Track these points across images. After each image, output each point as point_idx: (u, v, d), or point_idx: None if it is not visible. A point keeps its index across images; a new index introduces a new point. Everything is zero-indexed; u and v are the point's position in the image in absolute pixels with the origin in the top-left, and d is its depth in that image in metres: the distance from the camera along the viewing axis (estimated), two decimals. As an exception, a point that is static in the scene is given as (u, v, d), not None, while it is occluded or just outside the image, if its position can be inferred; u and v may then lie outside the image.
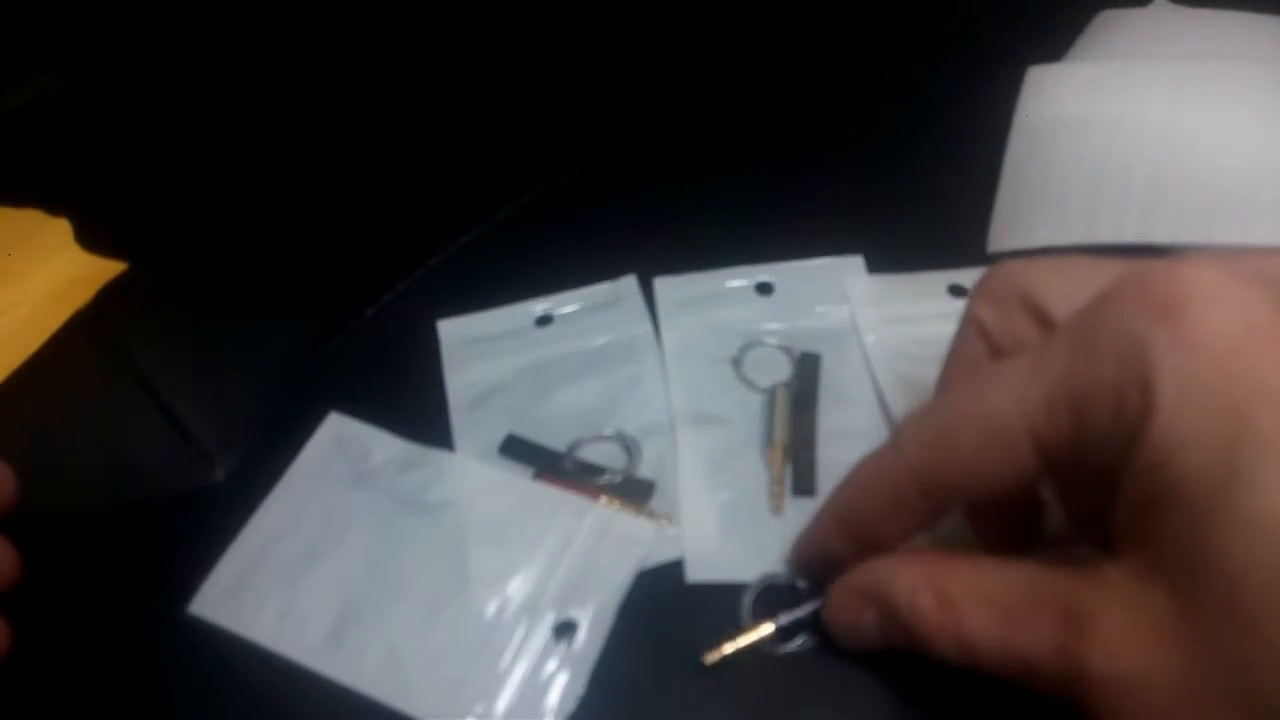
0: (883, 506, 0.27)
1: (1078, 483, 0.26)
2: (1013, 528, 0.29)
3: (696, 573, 0.32)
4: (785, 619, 0.29)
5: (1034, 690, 0.23)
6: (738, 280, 0.40)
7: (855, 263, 0.39)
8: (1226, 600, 0.19)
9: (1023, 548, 0.29)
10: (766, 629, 0.29)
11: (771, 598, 0.31)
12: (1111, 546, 0.22)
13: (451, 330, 0.39)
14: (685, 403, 0.36)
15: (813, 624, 0.29)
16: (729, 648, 0.29)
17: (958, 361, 0.29)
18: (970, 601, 0.24)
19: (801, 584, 0.31)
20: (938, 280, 0.38)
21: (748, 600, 0.31)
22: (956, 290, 0.38)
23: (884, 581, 0.26)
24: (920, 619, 0.25)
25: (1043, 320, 0.26)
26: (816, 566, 0.30)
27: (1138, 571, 0.21)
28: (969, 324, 0.28)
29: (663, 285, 0.40)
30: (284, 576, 0.32)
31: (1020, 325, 0.26)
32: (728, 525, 0.33)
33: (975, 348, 0.28)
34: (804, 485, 0.33)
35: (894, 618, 0.26)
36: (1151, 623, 0.21)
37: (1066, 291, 0.25)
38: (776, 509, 0.33)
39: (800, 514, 0.32)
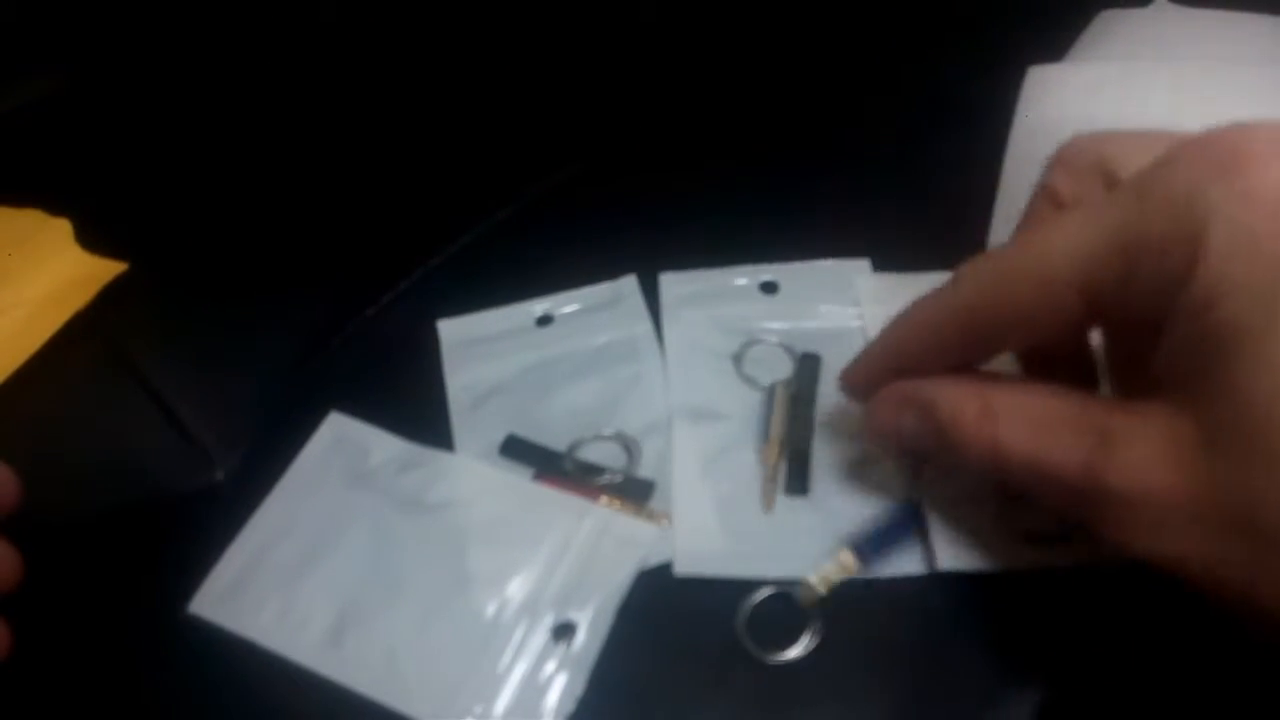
0: (932, 343, 0.28)
1: (1123, 335, 0.27)
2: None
3: (684, 566, 0.32)
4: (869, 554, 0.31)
5: (1052, 504, 0.25)
6: (742, 279, 0.40)
7: (861, 265, 0.39)
8: (1246, 431, 0.20)
9: None
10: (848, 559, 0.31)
11: (772, 607, 0.31)
12: (1153, 390, 0.23)
13: (451, 330, 0.39)
14: (684, 397, 0.36)
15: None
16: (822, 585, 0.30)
17: (1028, 225, 0.29)
18: (1010, 413, 0.25)
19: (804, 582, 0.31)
20: (945, 280, 0.38)
21: (745, 609, 0.30)
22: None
23: (930, 389, 0.28)
24: (959, 425, 0.26)
25: (1114, 185, 0.26)
26: (860, 394, 0.31)
27: (1172, 406, 0.22)
28: (1042, 191, 0.28)
29: (668, 280, 0.40)
30: (284, 576, 0.32)
31: (1093, 190, 0.27)
32: (718, 520, 0.33)
33: (1046, 213, 0.28)
34: (796, 484, 0.33)
35: (933, 423, 0.27)
36: (1175, 449, 0.22)
37: (1141, 157, 0.25)
38: (767, 506, 0.33)
39: (791, 513, 0.33)
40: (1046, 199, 0.28)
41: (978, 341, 0.27)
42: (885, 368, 0.30)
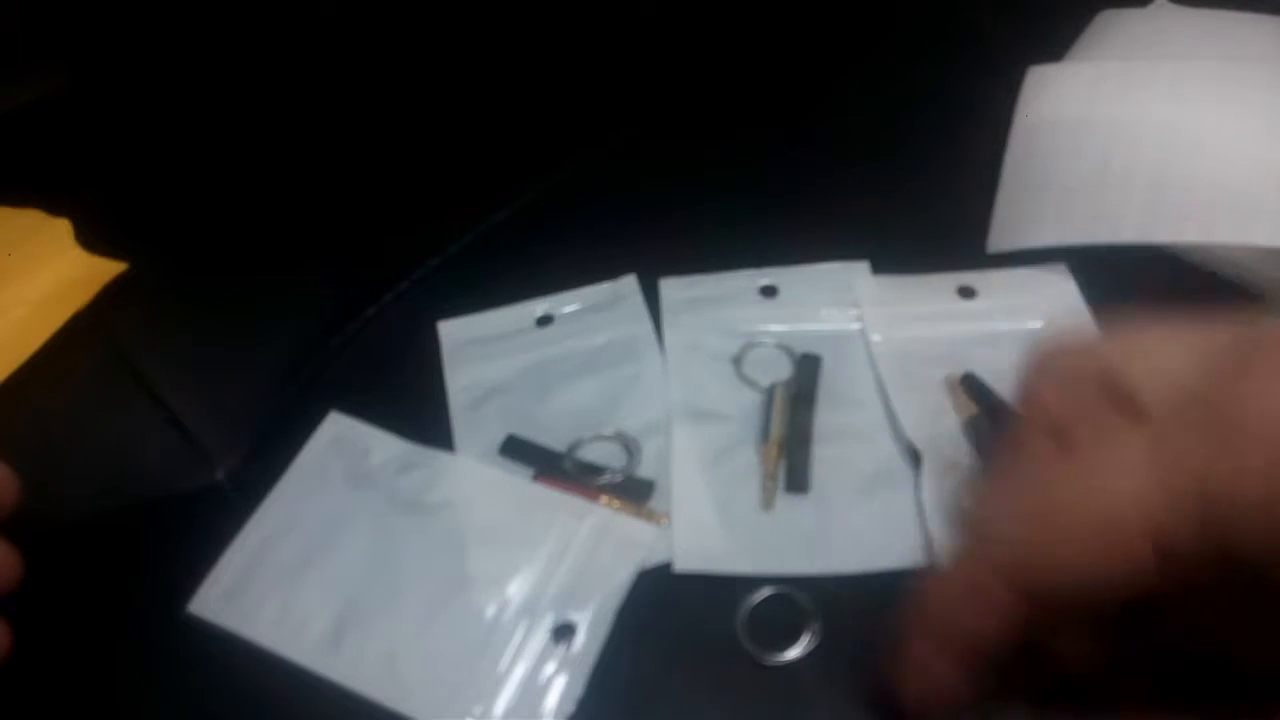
0: (975, 614, 0.24)
1: (1200, 594, 0.22)
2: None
3: (684, 563, 0.32)
4: None
5: None
6: (742, 282, 0.40)
7: (861, 268, 0.39)
8: None
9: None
10: None
11: (771, 607, 0.31)
12: None
13: (452, 330, 0.39)
14: (684, 399, 0.36)
15: None
16: None
17: (1016, 446, 0.25)
18: None
19: (801, 598, 0.31)
20: (947, 282, 0.38)
21: (745, 610, 0.30)
22: (966, 292, 0.38)
23: None
24: None
25: (1123, 401, 0.23)
26: (931, 698, 0.26)
27: None
28: (1028, 404, 0.25)
29: (668, 285, 0.40)
30: (283, 576, 0.32)
31: (1093, 406, 0.23)
32: (718, 518, 0.33)
33: (1034, 431, 0.24)
34: (796, 483, 0.33)
35: None
36: None
37: (1152, 367, 0.22)
38: (767, 504, 0.33)
39: (791, 511, 0.33)
40: (1035, 415, 0.24)
41: (1019, 602, 0.23)
42: (935, 654, 0.25)
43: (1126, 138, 0.39)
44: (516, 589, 0.31)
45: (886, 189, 0.42)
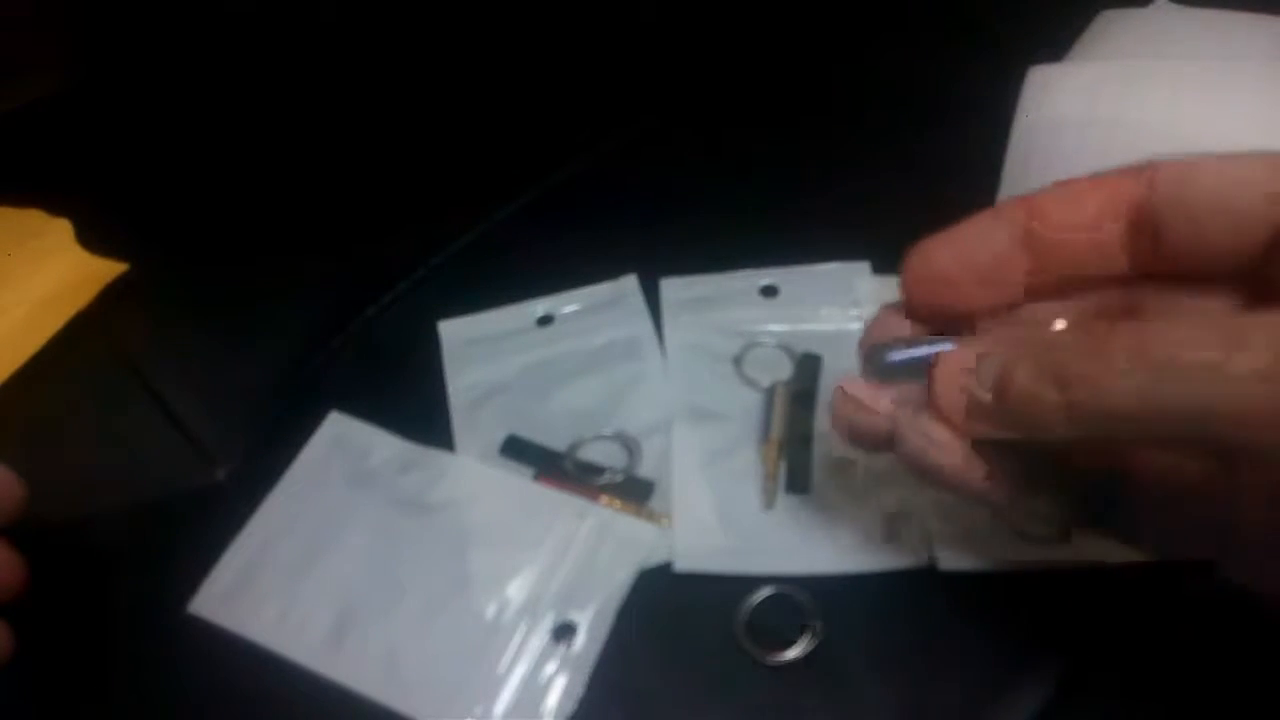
0: (1092, 231, 0.24)
1: None
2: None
3: (684, 563, 0.32)
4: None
5: None
6: (743, 282, 0.40)
7: (861, 267, 0.39)
8: None
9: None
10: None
11: (771, 607, 0.31)
12: None
13: (452, 330, 0.39)
14: (684, 398, 0.36)
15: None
16: None
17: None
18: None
19: (801, 598, 0.31)
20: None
21: (745, 610, 0.30)
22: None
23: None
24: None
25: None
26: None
27: None
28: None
29: (669, 285, 0.40)
30: (284, 576, 0.32)
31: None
32: (718, 517, 0.33)
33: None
34: (797, 483, 0.33)
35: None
36: None
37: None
38: (767, 504, 0.33)
39: (791, 511, 0.33)
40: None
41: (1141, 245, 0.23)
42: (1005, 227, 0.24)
43: (1127, 138, 0.38)
44: (517, 589, 0.31)
45: (886, 189, 0.42)
